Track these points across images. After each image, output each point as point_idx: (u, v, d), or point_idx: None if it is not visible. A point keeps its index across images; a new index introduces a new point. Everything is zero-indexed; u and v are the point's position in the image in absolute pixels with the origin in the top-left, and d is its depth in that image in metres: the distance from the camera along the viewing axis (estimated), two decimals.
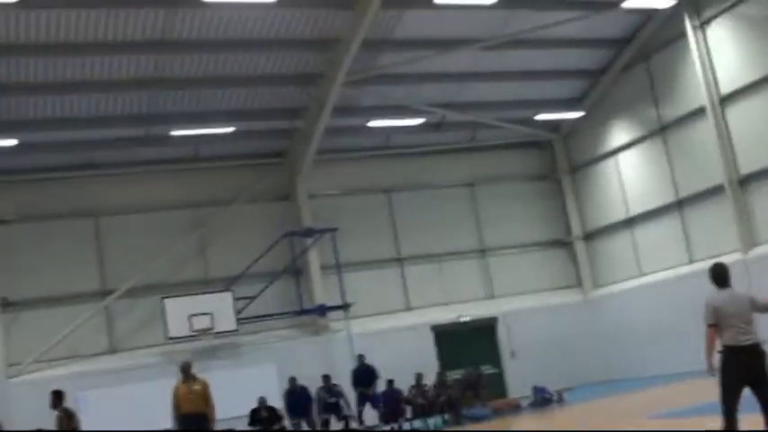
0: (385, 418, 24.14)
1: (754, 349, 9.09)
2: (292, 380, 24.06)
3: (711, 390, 9.48)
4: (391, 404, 24.14)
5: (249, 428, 22.79)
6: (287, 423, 23.51)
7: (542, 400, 25.05)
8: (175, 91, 24.65)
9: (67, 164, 26.01)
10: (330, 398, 23.85)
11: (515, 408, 25.31)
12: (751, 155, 24.60)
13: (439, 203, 30.05)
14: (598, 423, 18.10)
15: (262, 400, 23.12)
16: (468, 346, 29.10)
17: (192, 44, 22.96)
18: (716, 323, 9.13)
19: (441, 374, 25.76)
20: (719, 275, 9.45)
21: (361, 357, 24.95)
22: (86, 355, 25.03)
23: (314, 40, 24.14)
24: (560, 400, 24.78)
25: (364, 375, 24.39)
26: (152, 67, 23.44)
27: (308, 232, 27.21)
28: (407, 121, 28.31)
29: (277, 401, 23.78)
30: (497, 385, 28.57)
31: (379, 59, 25.59)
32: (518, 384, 28.42)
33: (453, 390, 24.87)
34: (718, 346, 9.15)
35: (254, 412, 23.06)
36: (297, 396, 23.85)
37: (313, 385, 24.10)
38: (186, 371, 17.00)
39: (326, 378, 24.29)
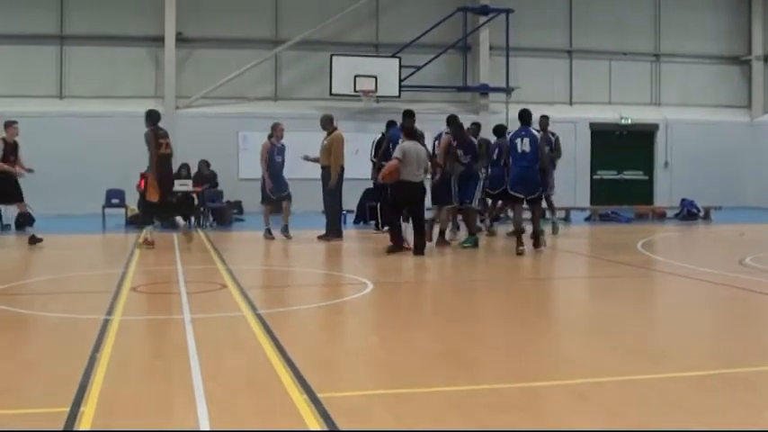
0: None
1: None
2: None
3: None
4: None
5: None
6: None
7: (688, 213, 24.83)
8: None
9: None
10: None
11: (660, 216, 25.27)
12: None
13: (620, 0, 29.13)
14: (735, 245, 18.05)
15: None
16: (624, 149, 28.93)
17: None
18: None
19: None
20: None
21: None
22: (250, 99, 26.00)
23: None
24: (706, 217, 24.54)
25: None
26: None
27: (484, 10, 27.07)
28: None
29: None
30: (645, 192, 28.61)
31: None
32: (665, 195, 28.29)
33: None
34: None
35: None
36: None
37: None
38: (324, 124, 17.05)
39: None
